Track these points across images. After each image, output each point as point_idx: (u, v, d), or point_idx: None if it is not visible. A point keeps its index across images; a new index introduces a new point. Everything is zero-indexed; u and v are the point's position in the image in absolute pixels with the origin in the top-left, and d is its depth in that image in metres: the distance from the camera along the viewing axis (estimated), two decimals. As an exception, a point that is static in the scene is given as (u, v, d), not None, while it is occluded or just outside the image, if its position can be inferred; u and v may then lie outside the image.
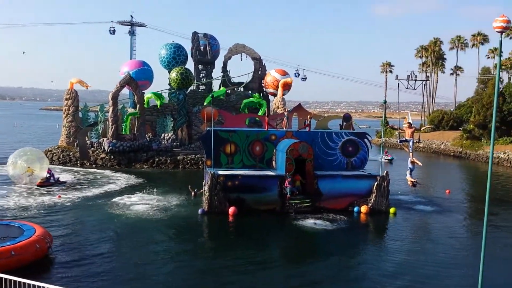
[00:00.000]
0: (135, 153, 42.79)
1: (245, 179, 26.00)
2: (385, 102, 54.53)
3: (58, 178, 33.37)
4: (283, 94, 51.88)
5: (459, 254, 19.57)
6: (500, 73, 75.97)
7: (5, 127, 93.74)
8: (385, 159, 49.39)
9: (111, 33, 70.96)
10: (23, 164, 31.41)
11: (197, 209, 25.43)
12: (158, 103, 47.49)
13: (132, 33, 72.04)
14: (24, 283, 10.17)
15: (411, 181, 28.26)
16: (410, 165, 27.92)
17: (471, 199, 33.44)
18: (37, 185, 31.22)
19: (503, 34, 8.03)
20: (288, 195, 25.72)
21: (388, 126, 43.26)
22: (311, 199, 26.13)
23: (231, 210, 24.95)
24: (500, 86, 67.82)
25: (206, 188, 25.69)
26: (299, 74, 70.32)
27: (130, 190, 31.33)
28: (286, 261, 18.64)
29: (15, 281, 10.33)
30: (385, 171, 27.20)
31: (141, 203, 26.86)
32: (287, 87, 53.14)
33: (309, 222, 23.50)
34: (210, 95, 37.84)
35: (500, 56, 8.33)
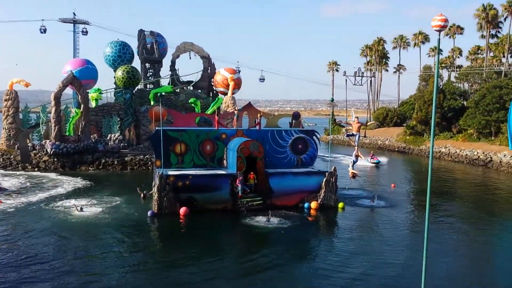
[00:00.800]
0: (80, 155, 41.23)
1: (196, 179, 25.72)
2: (332, 100, 55.95)
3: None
4: (233, 93, 51.85)
5: (403, 247, 20.31)
6: (440, 70, 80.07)
7: None
8: (372, 162, 48.08)
9: (41, 32, 68.00)
10: None
11: (147, 212, 24.86)
12: (94, 102, 45.90)
13: (75, 31, 69.59)
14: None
15: (352, 172, 29.48)
16: (354, 158, 29.14)
17: (415, 192, 34.89)
18: None
19: (442, 32, 8.36)
20: (240, 194, 25.72)
21: (335, 123, 44.50)
22: (262, 197, 26.26)
23: (182, 210, 24.60)
24: (441, 83, 71.34)
25: (155, 189, 25.18)
26: (263, 79, 70.67)
27: (76, 193, 30.17)
28: (238, 260, 18.57)
29: None
30: (333, 167, 27.81)
31: (88, 207, 25.92)
32: (236, 86, 53.18)
33: (261, 220, 23.58)
34: (156, 91, 37.19)
35: (439, 54, 8.66)
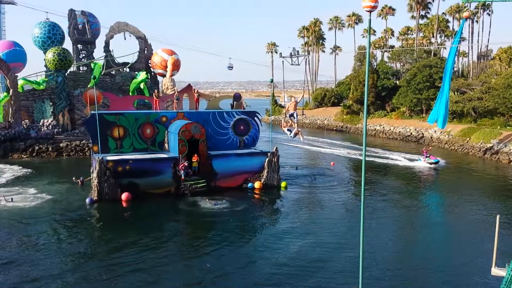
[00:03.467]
0: (11, 142, 38.89)
1: (136, 164, 25.16)
2: (271, 81, 56.45)
3: None
4: (172, 75, 50.85)
5: (343, 224, 21.20)
6: (373, 51, 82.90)
7: None
8: (428, 163, 35.74)
9: None
10: None
11: (85, 199, 24.07)
12: (36, 86, 43.48)
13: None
14: None
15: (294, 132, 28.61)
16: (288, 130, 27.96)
17: (353, 168, 36.31)
18: None
19: (374, 13, 8.64)
20: (183, 177, 25.52)
21: (276, 103, 44.67)
22: (206, 179, 26.23)
23: (124, 196, 24.07)
24: (374, 63, 74.01)
25: (94, 175, 24.38)
26: (232, 67, 68.94)
27: (8, 183, 28.55)
28: (183, 243, 18.54)
29: None
30: (275, 147, 28.26)
31: (22, 197, 24.65)
32: (176, 67, 52.16)
33: (205, 203, 23.62)
34: (92, 77, 35.61)
35: (370, 34, 8.96)
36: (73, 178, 28.30)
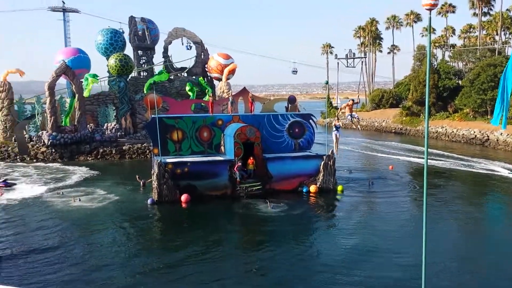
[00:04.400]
0: (77, 145, 41.17)
1: (194, 166, 25.78)
2: (327, 83, 55.88)
3: (5, 180, 30.50)
4: (228, 79, 51.63)
5: (405, 230, 20.53)
6: (434, 50, 79.87)
7: None
8: None
9: None
10: None
11: (147, 200, 24.97)
12: (87, 91, 45.45)
13: (65, 20, 68.73)
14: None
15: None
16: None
17: (414, 172, 35.11)
18: None
19: (434, 11, 8.34)
20: (238, 180, 25.82)
21: (331, 105, 44.02)
22: (261, 182, 26.38)
23: (184, 197, 24.72)
24: (435, 63, 71.23)
25: (154, 177, 25.25)
26: (296, 71, 69.59)
27: (76, 184, 30.21)
28: (238, 247, 18.72)
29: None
30: (331, 150, 27.92)
31: (88, 197, 26.03)
32: (232, 71, 52.91)
33: (261, 205, 23.74)
34: (152, 80, 36.91)
35: (430, 33, 8.64)
36: (137, 177, 29.32)
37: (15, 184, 30.04)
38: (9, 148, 41.42)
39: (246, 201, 24.88)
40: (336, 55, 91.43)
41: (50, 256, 16.75)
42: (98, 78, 46.28)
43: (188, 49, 56.90)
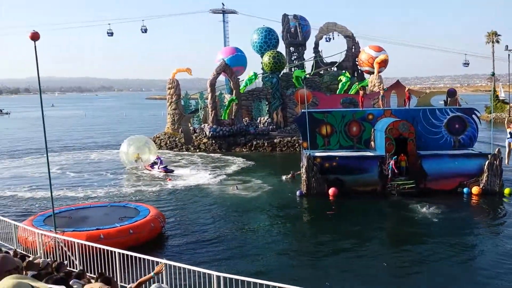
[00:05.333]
0: (234, 137, 44.28)
1: (342, 161, 25.66)
2: (493, 74, 50.10)
3: (166, 166, 34.33)
4: (380, 72, 49.92)
5: None
6: None
7: (116, 118, 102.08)
8: None
9: (143, 32, 67.64)
10: (132, 151, 34.18)
11: (296, 191, 25.72)
12: (242, 89, 48.08)
13: (224, 21, 73.89)
14: (144, 259, 11.14)
15: None
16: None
17: None
18: (146, 168, 33.77)
19: None
20: (390, 176, 24.89)
21: (497, 99, 39.19)
22: (414, 180, 25.02)
23: (331, 191, 24.83)
24: None
25: (303, 170, 25.84)
26: (468, 64, 66.45)
27: (234, 173, 32.54)
28: (390, 246, 18.12)
29: (134, 257, 11.37)
30: (497, 149, 25.08)
31: (244, 185, 27.88)
32: (383, 64, 51.02)
33: (414, 205, 22.54)
34: (296, 74, 37.42)
35: None
36: (291, 172, 30.31)
37: (173, 170, 33.49)
38: (177, 139, 46.44)
39: (397, 199, 23.88)
40: (506, 46, 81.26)
41: (209, 238, 18.46)
42: (257, 75, 49.18)
43: (327, 41, 56.57)
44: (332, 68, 55.72)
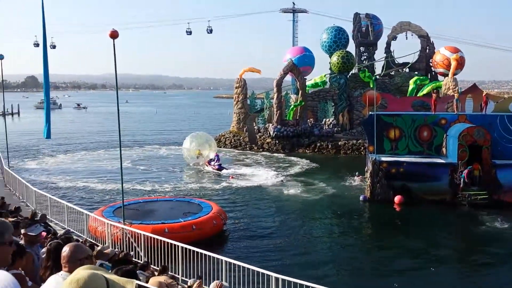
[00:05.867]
0: (297, 138, 44.09)
1: (410, 166, 24.66)
2: None
3: (220, 164, 34.78)
4: (455, 74, 47.41)
5: None
6: None
7: (185, 115, 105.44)
8: None
9: (208, 33, 69.14)
10: (194, 147, 35.27)
11: (359, 195, 25.12)
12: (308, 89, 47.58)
13: (294, 20, 73.70)
14: (205, 255, 11.39)
15: None
16: None
17: None
18: (205, 164, 34.73)
19: None
20: (461, 186, 23.55)
21: None
22: (487, 191, 23.49)
23: (397, 198, 23.94)
24: None
25: (368, 174, 25.16)
26: None
27: (296, 174, 32.42)
28: (458, 263, 17.05)
29: (196, 252, 11.64)
30: None
31: (306, 187, 27.66)
32: (459, 65, 48.39)
33: (486, 217, 21.15)
34: (372, 77, 36.54)
35: None
36: (356, 174, 29.66)
37: (226, 168, 33.87)
38: (241, 138, 47.08)
39: (467, 210, 22.55)
40: None
41: (269, 239, 18.54)
42: (326, 82, 48.77)
43: (393, 40, 54.28)
44: (404, 69, 53.77)
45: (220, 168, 33.81)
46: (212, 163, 34.51)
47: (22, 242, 5.86)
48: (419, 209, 22.92)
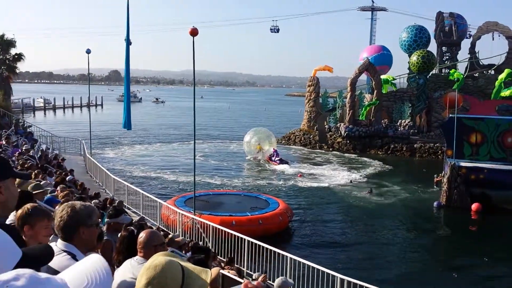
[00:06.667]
0: (370, 138, 42.91)
1: (492, 174, 23.08)
2: None
3: (281, 158, 34.95)
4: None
5: None
6: None
7: (257, 112, 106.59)
8: None
9: (274, 32, 68.57)
10: (255, 141, 36.02)
11: (433, 201, 23.95)
12: (384, 89, 46.05)
13: (372, 18, 71.76)
14: (270, 250, 11.46)
15: None
16: None
17: None
18: (266, 159, 35.15)
19: None
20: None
21: None
22: None
23: (475, 206, 22.54)
24: None
25: (445, 180, 23.91)
26: None
27: (369, 175, 31.58)
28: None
29: (262, 247, 11.74)
30: None
31: (379, 190, 26.85)
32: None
33: None
34: (456, 79, 34.66)
35: None
36: (435, 176, 28.38)
37: (287, 162, 33.83)
38: (311, 136, 46.72)
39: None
40: None
41: (335, 239, 18.23)
42: (395, 77, 47.03)
43: (467, 38, 51.16)
44: (489, 71, 50.38)
45: (282, 162, 34.02)
46: (273, 158, 34.84)
47: (104, 228, 6.22)
48: (499, 219, 21.43)
